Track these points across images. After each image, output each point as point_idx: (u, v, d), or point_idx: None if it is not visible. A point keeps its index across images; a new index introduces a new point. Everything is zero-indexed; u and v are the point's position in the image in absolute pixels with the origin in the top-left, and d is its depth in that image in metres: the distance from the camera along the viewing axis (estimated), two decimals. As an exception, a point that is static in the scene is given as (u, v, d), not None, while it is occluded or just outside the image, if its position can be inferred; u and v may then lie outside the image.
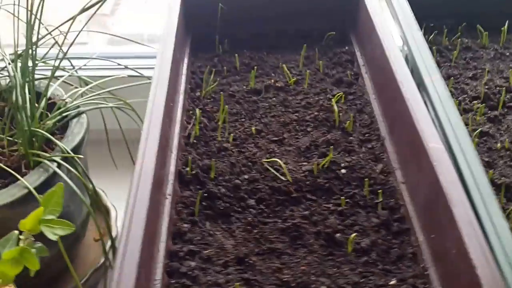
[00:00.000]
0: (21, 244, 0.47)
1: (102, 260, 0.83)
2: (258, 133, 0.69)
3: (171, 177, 0.61)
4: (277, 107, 0.73)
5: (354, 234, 0.53)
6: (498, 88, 0.74)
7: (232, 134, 0.68)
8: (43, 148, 0.71)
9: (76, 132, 0.72)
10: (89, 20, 0.80)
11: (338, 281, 0.50)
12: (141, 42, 0.89)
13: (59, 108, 0.75)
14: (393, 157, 0.62)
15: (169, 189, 0.59)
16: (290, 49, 0.85)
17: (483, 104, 0.70)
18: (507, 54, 0.81)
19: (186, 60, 0.81)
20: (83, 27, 0.77)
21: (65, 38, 0.77)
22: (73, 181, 0.66)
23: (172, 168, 0.62)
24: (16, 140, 0.72)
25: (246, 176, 0.62)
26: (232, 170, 0.63)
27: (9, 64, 0.70)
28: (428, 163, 0.53)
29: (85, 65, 0.88)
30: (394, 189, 0.59)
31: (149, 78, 0.85)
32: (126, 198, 0.51)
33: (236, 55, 0.81)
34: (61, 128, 0.75)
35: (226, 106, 0.71)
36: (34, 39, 0.74)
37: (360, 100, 0.72)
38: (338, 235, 0.55)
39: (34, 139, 0.70)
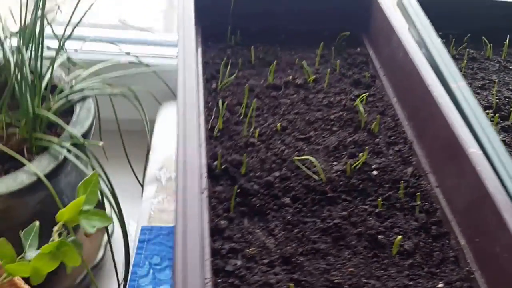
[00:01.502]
0: (55, 237, 0.43)
1: (99, 257, 0.78)
2: (283, 130, 0.67)
3: (202, 170, 0.58)
4: (299, 104, 0.72)
5: (400, 237, 0.53)
6: (507, 99, 0.77)
7: (258, 130, 0.66)
8: (45, 133, 0.65)
9: (84, 117, 0.67)
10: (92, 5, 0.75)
11: (388, 283, 0.50)
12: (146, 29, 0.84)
13: (61, 90, 0.70)
14: (423, 161, 0.63)
15: (203, 183, 0.56)
16: (302, 46, 0.84)
17: (497, 114, 0.73)
18: (510, 67, 0.85)
19: (199, 50, 0.78)
20: (92, 4, 0.72)
21: (71, 17, 0.71)
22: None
23: (203, 161, 0.59)
24: (13, 122, 0.65)
25: (277, 174, 0.61)
26: (262, 166, 0.61)
27: (9, 36, 0.64)
28: (470, 168, 0.54)
29: (81, 48, 0.82)
30: (428, 193, 0.60)
31: (147, 65, 0.82)
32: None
33: (252, 48, 0.79)
34: (63, 113, 0.70)
35: (254, 100, 0.69)
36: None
37: (381, 102, 0.73)
38: (380, 236, 0.54)
39: (36, 122, 0.64)
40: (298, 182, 0.60)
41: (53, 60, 0.67)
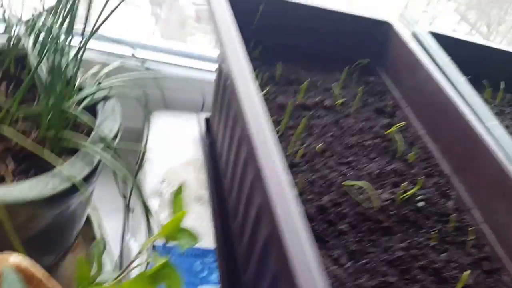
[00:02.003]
0: (147, 255, 0.36)
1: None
2: (323, 152, 0.64)
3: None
4: (333, 127, 0.69)
5: (467, 272, 0.52)
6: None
7: (301, 150, 0.62)
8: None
9: (111, 118, 0.59)
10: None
11: (463, 321, 0.48)
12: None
13: (80, 87, 0.61)
14: (464, 196, 0.63)
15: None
16: (319, 68, 0.82)
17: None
18: (506, 111, 0.90)
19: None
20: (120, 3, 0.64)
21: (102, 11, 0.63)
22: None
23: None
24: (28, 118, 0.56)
25: (327, 198, 0.57)
26: (311, 189, 0.58)
27: (40, 16, 0.55)
28: (524, 206, 0.55)
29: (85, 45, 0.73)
30: (474, 228, 0.60)
31: (148, 69, 0.76)
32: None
33: (280, 63, 0.76)
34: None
35: (304, 119, 0.66)
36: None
37: (407, 133, 0.73)
38: (442, 271, 0.53)
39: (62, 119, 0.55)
40: (350, 209, 0.57)
41: (79, 51, 0.59)
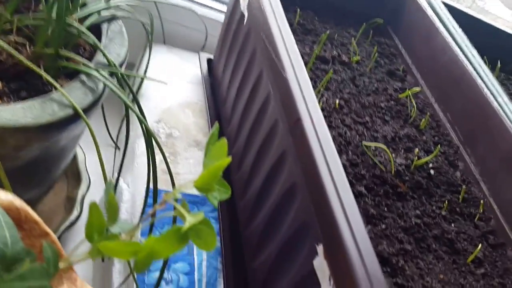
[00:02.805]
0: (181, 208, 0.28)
1: (73, 216, 0.59)
2: (341, 108, 0.57)
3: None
4: (349, 84, 0.62)
5: (480, 246, 0.47)
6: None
7: (320, 104, 0.54)
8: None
9: (117, 42, 0.49)
10: None
11: (476, 295, 0.43)
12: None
13: (84, 3, 0.50)
14: (472, 168, 0.58)
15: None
16: (334, 22, 0.73)
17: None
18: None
19: None
20: None
21: None
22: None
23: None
24: (23, 28, 0.45)
25: (345, 157, 0.50)
26: (331, 146, 0.50)
27: None
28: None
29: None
30: (479, 201, 0.55)
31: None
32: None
33: (299, 10, 0.67)
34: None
35: (330, 72, 0.57)
36: None
37: (417, 99, 0.66)
38: (454, 241, 0.48)
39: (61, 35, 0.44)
40: (367, 170, 0.50)
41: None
